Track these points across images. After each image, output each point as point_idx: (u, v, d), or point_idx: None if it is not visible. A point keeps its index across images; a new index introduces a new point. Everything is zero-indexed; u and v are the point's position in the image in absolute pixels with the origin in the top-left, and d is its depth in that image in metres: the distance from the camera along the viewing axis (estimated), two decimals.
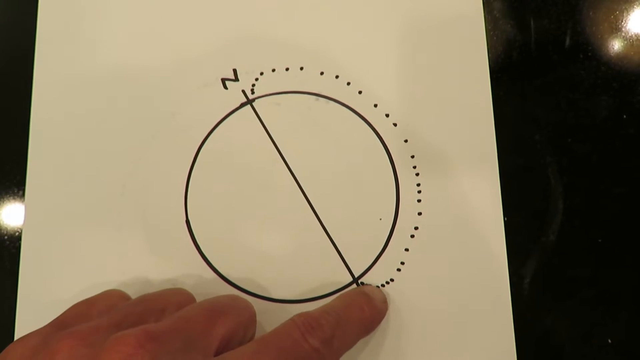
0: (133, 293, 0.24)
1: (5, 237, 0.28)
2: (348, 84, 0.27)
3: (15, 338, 0.27)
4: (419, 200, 0.26)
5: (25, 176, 0.28)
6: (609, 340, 0.24)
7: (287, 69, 0.28)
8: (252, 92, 0.28)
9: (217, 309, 0.21)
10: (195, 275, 0.26)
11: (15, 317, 0.27)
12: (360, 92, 0.27)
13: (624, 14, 0.27)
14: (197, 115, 0.28)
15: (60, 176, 0.28)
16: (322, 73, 0.27)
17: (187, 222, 0.27)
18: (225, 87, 0.28)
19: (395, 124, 0.27)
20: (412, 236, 0.26)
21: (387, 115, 0.27)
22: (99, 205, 0.27)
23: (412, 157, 0.26)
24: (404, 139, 0.26)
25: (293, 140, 0.27)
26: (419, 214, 0.26)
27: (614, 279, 0.25)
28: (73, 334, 0.19)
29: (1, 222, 0.28)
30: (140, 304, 0.21)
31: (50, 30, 0.30)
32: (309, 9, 0.28)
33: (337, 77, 0.27)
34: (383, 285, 0.25)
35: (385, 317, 0.25)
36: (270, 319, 0.25)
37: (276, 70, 0.28)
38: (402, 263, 0.25)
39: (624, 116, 0.26)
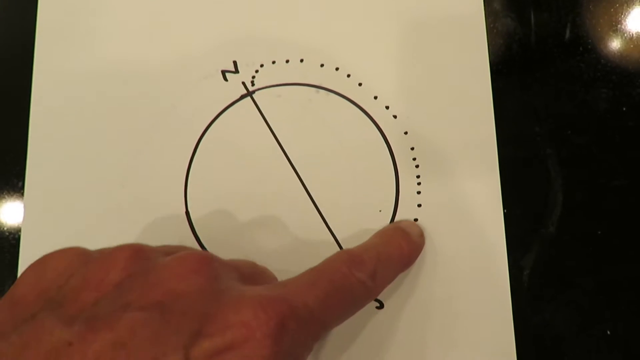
0: None
1: (5, 229, 0.28)
2: (348, 76, 0.27)
3: None
4: (418, 192, 0.26)
5: (25, 168, 0.28)
6: (608, 332, 0.24)
7: (287, 61, 0.28)
8: (253, 84, 0.28)
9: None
10: None
11: None
12: (360, 84, 0.27)
13: (624, 7, 0.27)
14: (197, 107, 0.28)
15: (60, 168, 0.28)
16: (322, 65, 0.27)
17: (187, 213, 0.27)
18: (226, 79, 0.28)
19: (395, 116, 0.27)
20: None
21: (387, 108, 0.27)
22: (98, 196, 0.27)
23: (412, 149, 0.26)
24: (404, 131, 0.26)
25: (293, 132, 0.27)
26: (419, 205, 0.26)
27: (613, 270, 0.25)
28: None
29: (1, 214, 0.28)
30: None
31: (50, 23, 0.30)
32: (309, 1, 0.28)
33: (337, 69, 0.27)
34: None
35: (384, 307, 0.25)
36: None
37: (276, 62, 0.28)
38: None
39: (624, 108, 0.26)
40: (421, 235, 0.25)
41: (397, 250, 0.24)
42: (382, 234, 0.25)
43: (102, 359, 0.16)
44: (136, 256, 0.19)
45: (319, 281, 0.20)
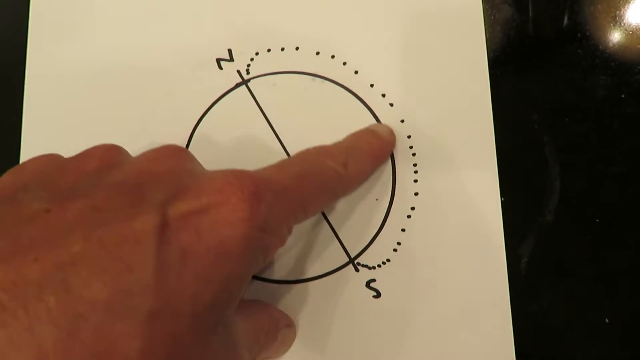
0: None
1: None
2: (344, 64, 0.27)
3: None
4: (415, 181, 0.26)
5: (18, 160, 0.28)
6: (606, 320, 0.24)
7: (282, 49, 0.27)
8: (248, 72, 0.27)
9: None
10: None
11: None
12: (356, 72, 0.27)
13: None
14: (192, 96, 0.27)
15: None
16: (317, 53, 0.27)
17: None
18: (220, 68, 0.28)
19: (391, 104, 0.26)
20: (409, 216, 0.25)
21: (383, 96, 0.26)
22: None
23: (409, 137, 0.26)
24: (401, 119, 0.26)
25: (289, 121, 0.27)
26: (416, 194, 0.26)
27: (611, 258, 0.25)
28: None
29: None
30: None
31: (43, 13, 0.29)
32: None
33: (333, 57, 0.27)
34: (380, 266, 0.25)
35: (381, 296, 0.25)
36: (267, 299, 0.25)
37: (272, 50, 0.27)
38: (399, 243, 0.25)
39: (622, 96, 0.26)
40: (391, 133, 0.26)
41: (366, 145, 0.24)
42: (351, 135, 0.25)
43: (79, 221, 0.16)
44: (113, 150, 0.20)
45: (290, 164, 0.21)
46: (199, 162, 0.20)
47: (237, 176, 0.18)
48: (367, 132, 0.25)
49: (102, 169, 0.18)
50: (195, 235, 0.16)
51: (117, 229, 0.15)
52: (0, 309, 0.14)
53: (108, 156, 0.19)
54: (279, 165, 0.21)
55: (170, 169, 0.18)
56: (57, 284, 0.14)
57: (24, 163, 0.19)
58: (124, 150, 0.20)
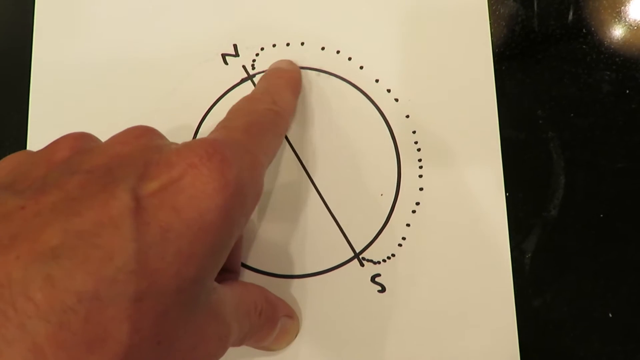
0: None
1: None
2: (349, 59, 0.27)
3: None
4: (420, 176, 0.26)
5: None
6: (610, 315, 0.24)
7: (287, 44, 0.27)
8: (253, 67, 0.27)
9: None
10: None
11: None
12: (361, 68, 0.27)
13: None
14: (198, 91, 0.27)
15: None
16: (323, 48, 0.27)
17: None
18: (226, 63, 0.28)
19: (396, 100, 0.26)
20: (414, 211, 0.26)
21: (388, 91, 0.26)
22: None
23: (414, 132, 0.26)
24: (406, 114, 0.26)
25: (294, 116, 0.27)
26: (421, 189, 0.26)
27: (615, 253, 0.25)
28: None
29: None
30: None
31: (49, 9, 0.30)
32: None
33: (338, 52, 0.27)
34: (384, 261, 0.25)
35: (386, 291, 0.25)
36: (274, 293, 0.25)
37: (277, 45, 0.27)
38: (404, 238, 0.25)
39: (627, 91, 0.26)
40: (291, 63, 0.27)
41: (279, 80, 0.26)
42: (260, 78, 0.26)
43: (54, 213, 0.16)
44: (81, 138, 0.19)
45: (235, 119, 0.22)
46: (166, 139, 0.20)
47: (202, 145, 0.18)
48: (271, 72, 0.26)
49: (72, 158, 0.18)
50: (174, 212, 0.16)
51: (92, 217, 0.15)
52: None
53: (77, 145, 0.19)
54: (226, 125, 0.21)
55: (139, 148, 0.18)
56: (41, 279, 0.14)
57: None
58: (94, 137, 0.20)
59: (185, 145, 0.18)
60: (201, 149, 0.17)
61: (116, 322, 0.15)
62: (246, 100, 0.24)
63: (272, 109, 0.23)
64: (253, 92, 0.25)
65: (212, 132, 0.21)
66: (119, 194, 0.16)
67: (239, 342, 0.21)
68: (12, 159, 0.19)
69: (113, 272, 0.15)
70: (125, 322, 0.15)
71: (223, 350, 0.19)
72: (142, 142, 0.19)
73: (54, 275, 0.14)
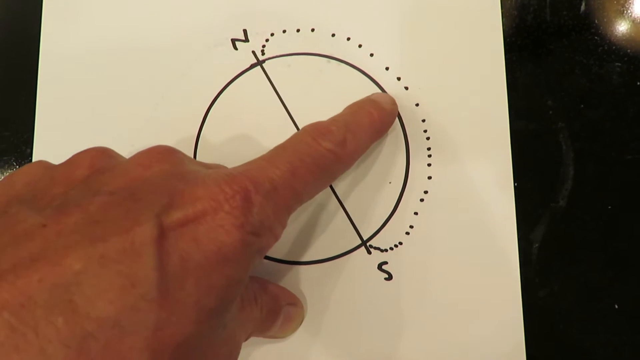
0: None
1: None
2: (360, 46, 0.27)
3: None
4: (429, 165, 0.26)
5: (33, 136, 0.28)
6: (616, 306, 0.24)
7: (298, 30, 0.27)
8: (263, 53, 0.27)
9: None
10: None
11: None
12: (371, 55, 0.27)
13: None
14: (207, 76, 0.27)
15: (68, 136, 0.28)
16: (333, 35, 0.27)
17: None
18: (235, 48, 0.27)
19: (406, 88, 0.26)
20: (422, 200, 0.25)
21: (398, 79, 0.26)
22: None
23: (423, 121, 0.26)
24: (415, 102, 0.26)
25: (303, 102, 0.27)
26: (429, 177, 0.26)
27: (623, 245, 0.25)
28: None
29: None
30: None
31: None
32: None
33: (348, 39, 0.27)
34: (392, 249, 0.25)
35: (393, 279, 0.25)
36: (281, 280, 0.25)
37: (287, 31, 0.27)
38: (411, 227, 0.25)
39: (638, 83, 0.26)
40: (393, 103, 0.25)
41: (366, 117, 0.23)
42: (351, 106, 0.24)
43: (76, 236, 0.16)
44: (101, 155, 0.19)
45: (282, 154, 0.20)
46: (189, 160, 0.20)
47: (228, 181, 0.18)
48: (367, 103, 0.24)
49: (92, 176, 0.18)
50: (194, 243, 0.16)
51: (115, 243, 0.15)
52: (11, 331, 0.14)
53: (97, 162, 0.19)
54: (271, 158, 0.20)
55: (162, 174, 0.18)
56: (63, 304, 0.14)
57: (12, 175, 0.19)
58: (113, 152, 0.20)
59: (213, 178, 0.18)
60: (226, 184, 0.18)
61: (136, 352, 0.15)
62: (316, 129, 0.22)
63: (335, 152, 0.21)
64: (333, 118, 0.23)
65: (254, 161, 0.20)
66: (143, 221, 0.16)
67: (244, 341, 0.21)
68: (29, 171, 0.19)
69: (134, 300, 0.15)
70: (145, 351, 0.15)
71: None
72: (165, 167, 0.19)
73: (76, 301, 0.14)
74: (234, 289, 0.18)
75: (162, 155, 0.19)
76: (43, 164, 0.20)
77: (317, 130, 0.21)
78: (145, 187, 0.18)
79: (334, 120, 0.23)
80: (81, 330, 0.14)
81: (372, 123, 0.24)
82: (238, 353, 0.20)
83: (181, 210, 0.17)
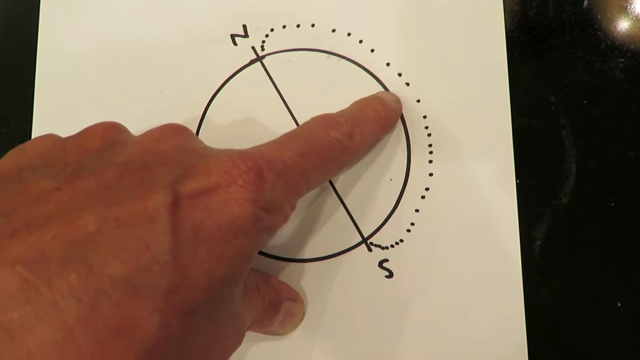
0: None
1: None
2: (360, 42, 0.27)
3: None
4: (430, 161, 0.25)
5: (30, 133, 0.28)
6: (619, 304, 0.24)
7: (298, 26, 0.27)
8: (262, 48, 0.27)
9: None
10: None
11: None
12: (372, 51, 0.26)
13: None
14: (206, 71, 0.27)
15: (66, 132, 0.27)
16: (334, 30, 0.27)
17: None
18: (235, 44, 0.27)
19: (407, 84, 0.26)
20: (423, 197, 0.25)
21: (399, 75, 0.26)
22: None
23: (424, 117, 0.26)
24: (416, 99, 0.26)
25: (303, 98, 0.26)
26: (430, 174, 0.25)
27: (625, 242, 0.25)
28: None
29: None
30: None
31: None
32: None
33: (349, 34, 0.27)
34: (393, 246, 0.25)
35: (394, 276, 0.25)
36: (281, 277, 0.25)
37: (287, 26, 0.27)
38: (412, 224, 0.25)
39: None
40: (398, 102, 0.26)
41: (373, 112, 0.24)
42: (358, 101, 0.25)
43: (91, 200, 0.16)
44: (114, 128, 0.20)
45: (293, 140, 0.21)
46: (200, 140, 0.21)
47: (242, 158, 0.18)
48: (374, 99, 0.25)
49: (104, 147, 0.18)
50: (207, 213, 0.17)
51: (130, 208, 0.16)
52: (24, 284, 0.14)
53: (109, 134, 0.19)
54: (283, 141, 0.21)
55: (175, 148, 0.19)
56: (77, 261, 0.14)
57: (24, 144, 0.19)
58: (125, 127, 0.21)
59: (226, 153, 0.18)
60: (240, 160, 0.18)
61: (147, 313, 0.15)
62: (326, 119, 0.22)
63: (342, 143, 0.22)
64: (342, 112, 0.24)
65: (266, 143, 0.21)
66: (157, 189, 0.16)
67: (247, 327, 0.21)
68: (40, 142, 0.19)
69: (148, 262, 0.15)
70: (157, 314, 0.15)
71: (238, 344, 0.19)
72: (177, 141, 0.19)
73: (90, 259, 0.15)
74: (243, 261, 0.18)
75: (175, 130, 0.20)
76: (53, 136, 0.20)
77: (326, 120, 0.22)
78: (159, 159, 0.18)
79: (342, 113, 0.23)
80: (94, 286, 0.14)
81: (378, 119, 0.24)
82: (243, 335, 0.20)
83: (195, 181, 0.17)
